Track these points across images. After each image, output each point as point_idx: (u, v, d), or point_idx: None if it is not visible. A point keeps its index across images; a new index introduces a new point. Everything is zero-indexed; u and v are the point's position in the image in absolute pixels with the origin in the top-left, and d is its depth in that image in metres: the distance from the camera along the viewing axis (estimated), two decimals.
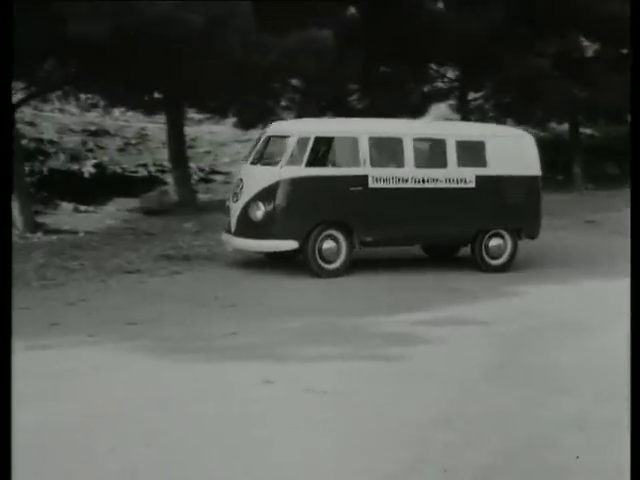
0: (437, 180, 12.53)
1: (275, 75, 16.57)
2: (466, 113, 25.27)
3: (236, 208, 12.35)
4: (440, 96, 25.47)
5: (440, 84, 25.63)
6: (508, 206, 13.02)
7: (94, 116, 24.03)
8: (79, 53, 14.01)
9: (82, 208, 17.47)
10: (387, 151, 12.72)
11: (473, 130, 13.86)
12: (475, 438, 5.76)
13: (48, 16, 12.42)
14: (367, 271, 12.32)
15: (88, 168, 20.13)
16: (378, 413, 6.32)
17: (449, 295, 10.97)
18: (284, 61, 15.24)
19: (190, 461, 5.35)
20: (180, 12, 13.05)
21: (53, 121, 20.22)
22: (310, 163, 12.07)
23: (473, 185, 12.72)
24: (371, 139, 12.31)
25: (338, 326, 9.16)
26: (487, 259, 12.89)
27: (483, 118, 25.78)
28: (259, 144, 12.76)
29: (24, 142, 17.23)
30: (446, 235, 12.88)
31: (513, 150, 13.06)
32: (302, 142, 12.07)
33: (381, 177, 12.26)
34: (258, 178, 12.24)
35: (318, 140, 12.27)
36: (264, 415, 6.23)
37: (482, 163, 12.87)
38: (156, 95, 16.59)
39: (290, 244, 11.97)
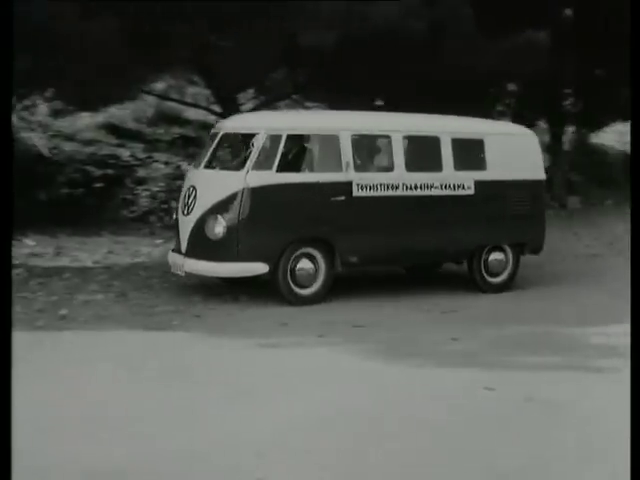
0: (432, 186, 10.85)
1: (493, 79, 16.69)
2: None
3: (188, 222, 10.30)
4: None
5: None
6: (511, 216, 11.44)
7: None
8: (309, 62, 14.59)
9: None
10: (373, 152, 11.17)
11: (469, 126, 11.82)
12: None
13: (281, 28, 13.11)
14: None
15: None
16: (599, 426, 6.31)
17: None
18: (502, 65, 15.37)
19: (414, 464, 5.50)
20: (404, 19, 13.46)
21: None
22: (282, 167, 10.15)
23: (472, 192, 11.15)
24: (355, 137, 10.55)
25: (550, 335, 9.18)
26: (486, 276, 11.51)
27: None
28: (214, 143, 10.73)
29: None
30: (442, 251, 11.25)
31: (515, 150, 11.51)
32: (272, 141, 10.13)
33: (367, 184, 10.44)
34: (216, 185, 10.27)
35: (291, 138, 10.30)
36: (484, 422, 6.33)
37: (481, 165, 11.32)
38: (377, 102, 17.06)
39: (258, 267, 10.08)
